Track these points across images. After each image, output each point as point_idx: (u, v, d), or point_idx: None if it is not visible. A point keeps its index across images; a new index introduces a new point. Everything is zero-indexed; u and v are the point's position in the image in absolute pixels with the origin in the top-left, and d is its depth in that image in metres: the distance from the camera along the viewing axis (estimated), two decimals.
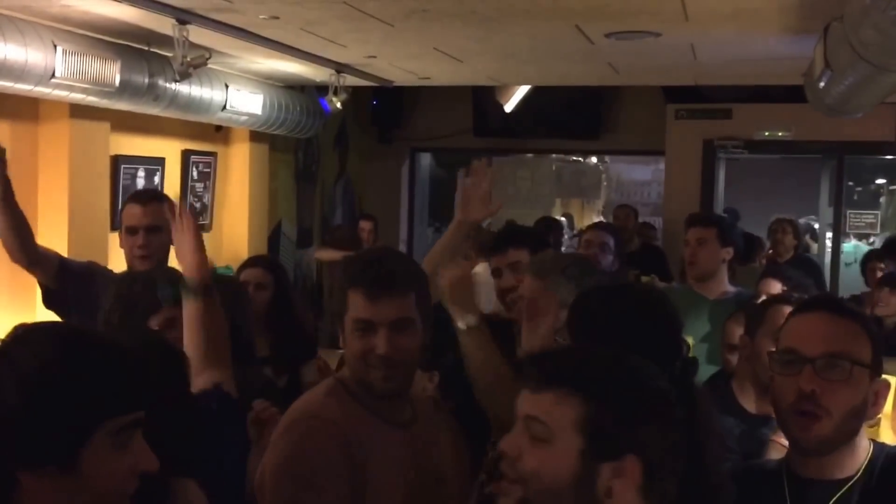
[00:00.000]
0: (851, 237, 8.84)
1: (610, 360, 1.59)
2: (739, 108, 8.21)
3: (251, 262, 4.26)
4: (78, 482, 1.32)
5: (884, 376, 1.87)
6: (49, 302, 3.57)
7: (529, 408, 1.55)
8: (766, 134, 8.18)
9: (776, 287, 4.13)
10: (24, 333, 1.40)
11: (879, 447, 1.89)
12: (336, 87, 6.34)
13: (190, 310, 2.50)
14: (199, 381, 2.41)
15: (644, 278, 5.10)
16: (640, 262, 6.61)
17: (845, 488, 1.82)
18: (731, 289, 4.19)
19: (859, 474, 1.83)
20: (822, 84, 4.42)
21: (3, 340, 1.38)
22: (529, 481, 1.52)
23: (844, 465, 1.84)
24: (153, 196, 3.73)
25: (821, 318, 1.88)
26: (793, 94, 6.42)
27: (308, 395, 2.25)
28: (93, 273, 3.61)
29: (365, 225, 8.28)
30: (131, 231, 3.57)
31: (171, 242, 3.53)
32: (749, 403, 2.97)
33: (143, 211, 3.58)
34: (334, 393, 2.18)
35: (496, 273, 3.58)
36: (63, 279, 3.51)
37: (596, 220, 12.33)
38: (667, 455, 1.53)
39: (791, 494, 1.86)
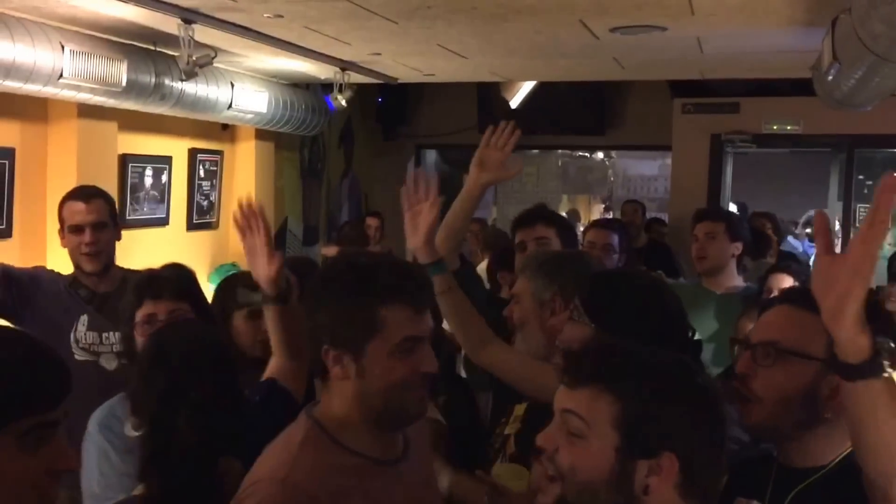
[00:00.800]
0: None
1: (647, 357, 1.59)
2: (747, 101, 8.15)
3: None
4: None
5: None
6: None
7: (567, 402, 1.56)
8: (775, 127, 8.12)
9: (786, 282, 4.11)
10: None
11: None
12: (341, 85, 6.35)
13: (268, 314, 2.49)
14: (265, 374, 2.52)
15: None
16: (648, 258, 6.60)
17: (813, 477, 1.81)
18: (739, 284, 4.17)
19: (831, 466, 1.81)
20: (830, 77, 4.39)
21: None
22: (566, 476, 1.53)
23: (814, 455, 1.82)
24: (95, 193, 3.63)
25: (780, 309, 1.90)
26: (801, 88, 6.38)
27: (281, 445, 1.88)
28: (38, 278, 3.55)
29: (371, 222, 8.28)
30: (76, 229, 3.49)
31: (116, 238, 3.57)
32: None
33: (88, 208, 3.51)
34: (310, 441, 1.84)
35: (520, 247, 3.51)
36: (8, 286, 3.42)
37: (600, 215, 12.30)
38: (706, 452, 1.54)
39: (775, 479, 1.88)
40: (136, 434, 2.16)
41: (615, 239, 4.30)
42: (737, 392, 1.87)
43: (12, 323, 3.42)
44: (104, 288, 3.55)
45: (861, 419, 1.57)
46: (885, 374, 1.55)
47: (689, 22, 4.52)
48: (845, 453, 1.81)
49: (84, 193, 3.60)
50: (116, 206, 3.81)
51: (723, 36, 4.99)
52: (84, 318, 3.48)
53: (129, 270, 3.78)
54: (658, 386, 1.53)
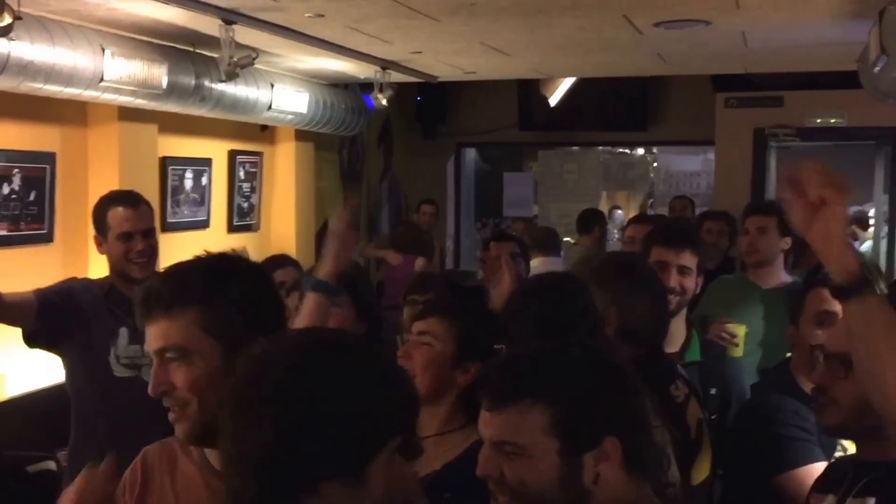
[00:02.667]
0: None
1: (556, 355, 1.59)
2: (791, 95, 8.06)
3: (281, 262, 4.12)
4: (362, 493, 1.37)
5: None
6: (31, 341, 3.35)
7: (494, 432, 1.54)
8: (819, 121, 8.03)
9: None
10: (322, 346, 1.43)
11: None
12: (381, 84, 6.33)
13: (307, 300, 2.57)
14: None
15: None
16: None
17: (884, 468, 1.86)
18: (786, 278, 4.15)
19: None
20: (877, 69, 4.33)
21: (302, 352, 1.41)
22: (518, 492, 1.52)
23: (890, 450, 1.86)
24: (140, 198, 3.51)
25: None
26: (845, 80, 6.29)
27: None
28: (74, 296, 3.39)
29: (427, 209, 8.33)
30: (126, 236, 3.36)
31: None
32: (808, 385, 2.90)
33: (137, 214, 3.41)
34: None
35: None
36: (44, 316, 3.28)
37: (640, 211, 12.19)
38: (640, 425, 1.57)
39: (852, 473, 1.93)
40: None
41: None
42: (812, 399, 1.96)
43: (49, 351, 3.36)
44: None
45: (859, 341, 1.64)
46: (879, 292, 1.65)
47: (733, 15, 4.47)
48: None
49: (131, 199, 3.48)
50: (157, 209, 3.75)
51: (768, 29, 4.92)
52: (124, 332, 3.34)
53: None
54: (581, 378, 1.53)
